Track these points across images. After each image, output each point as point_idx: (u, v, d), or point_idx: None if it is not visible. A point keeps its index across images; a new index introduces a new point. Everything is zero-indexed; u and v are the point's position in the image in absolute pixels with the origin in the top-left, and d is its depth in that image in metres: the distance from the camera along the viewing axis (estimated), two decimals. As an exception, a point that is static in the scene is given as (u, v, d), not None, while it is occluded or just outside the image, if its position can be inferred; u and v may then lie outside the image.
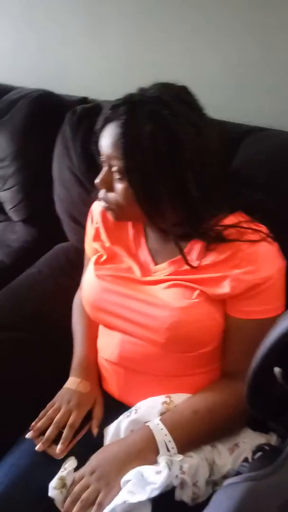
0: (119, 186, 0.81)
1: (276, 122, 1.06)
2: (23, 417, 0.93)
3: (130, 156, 0.77)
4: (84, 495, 0.77)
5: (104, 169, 0.84)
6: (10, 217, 1.52)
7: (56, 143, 1.27)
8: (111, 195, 0.84)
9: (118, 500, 0.72)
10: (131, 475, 0.76)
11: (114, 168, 0.81)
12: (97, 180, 0.84)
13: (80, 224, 1.28)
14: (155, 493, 0.71)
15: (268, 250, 0.82)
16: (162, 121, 0.76)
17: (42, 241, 1.44)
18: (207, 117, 0.84)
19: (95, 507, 0.76)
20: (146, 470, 0.75)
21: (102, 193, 0.86)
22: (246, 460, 0.68)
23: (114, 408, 0.94)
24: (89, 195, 1.20)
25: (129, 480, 0.75)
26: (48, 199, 1.34)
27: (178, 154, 0.77)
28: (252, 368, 0.66)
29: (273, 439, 0.83)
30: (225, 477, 0.82)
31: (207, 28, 1.16)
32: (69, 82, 1.47)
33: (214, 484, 0.82)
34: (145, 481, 0.75)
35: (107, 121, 0.81)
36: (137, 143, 0.76)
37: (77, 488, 0.79)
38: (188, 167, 0.78)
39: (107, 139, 0.81)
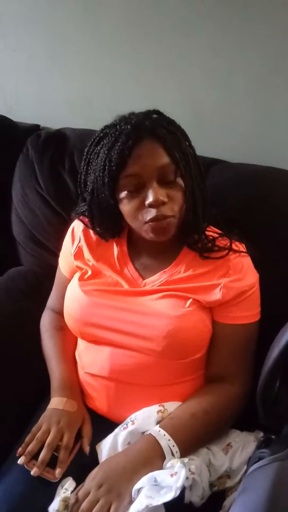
0: (174, 191, 0.84)
1: (230, 155, 1.19)
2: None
3: (181, 158, 0.83)
4: (95, 509, 0.75)
5: (152, 186, 0.82)
6: None
7: (17, 166, 1.26)
8: (167, 207, 0.83)
9: (138, 506, 0.72)
10: (144, 482, 0.77)
11: (169, 177, 0.83)
12: (153, 199, 0.81)
13: (41, 246, 1.27)
14: (178, 491, 0.72)
15: (249, 261, 0.93)
16: (180, 130, 0.88)
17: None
18: None
19: None
20: (160, 474, 0.77)
21: (154, 212, 0.83)
22: (260, 447, 0.74)
23: (101, 424, 0.94)
24: (56, 215, 1.22)
25: (141, 488, 0.76)
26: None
27: (195, 159, 0.88)
28: (260, 384, 0.73)
29: (260, 436, 0.90)
30: (221, 477, 0.87)
31: (168, 63, 1.26)
32: (21, 109, 1.48)
33: (211, 485, 0.86)
34: (159, 486, 0.76)
35: (134, 144, 0.81)
36: (179, 146, 0.84)
37: (85, 504, 0.77)
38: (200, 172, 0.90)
39: (152, 156, 0.82)
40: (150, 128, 0.82)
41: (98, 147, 0.87)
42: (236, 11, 1.14)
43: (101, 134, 0.88)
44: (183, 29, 1.21)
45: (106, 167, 0.83)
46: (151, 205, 0.82)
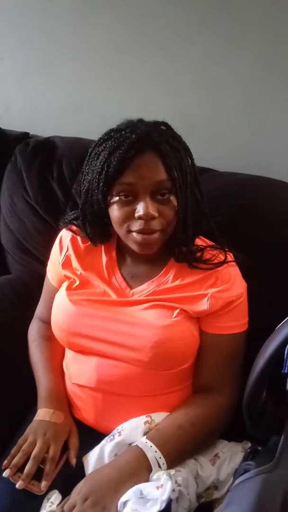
0: (166, 207, 0.84)
1: (220, 165, 1.20)
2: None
3: (179, 176, 0.83)
4: None
5: (145, 199, 0.82)
6: None
7: (5, 174, 1.26)
8: (155, 221, 0.83)
9: (123, 520, 0.71)
10: (129, 494, 0.76)
11: (163, 191, 0.82)
12: (143, 213, 0.81)
13: (29, 254, 1.27)
14: (164, 505, 0.72)
15: (237, 271, 0.93)
16: (184, 148, 0.87)
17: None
18: None
19: None
20: (146, 487, 0.76)
21: (142, 224, 0.82)
22: (246, 459, 0.73)
23: (88, 436, 0.93)
24: (44, 224, 1.21)
25: (127, 501, 0.75)
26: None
27: (195, 173, 0.89)
28: (246, 395, 0.73)
29: (247, 446, 0.90)
30: (208, 488, 0.86)
31: (159, 72, 1.27)
32: (10, 117, 1.48)
33: (198, 496, 0.86)
34: (145, 498, 0.75)
35: (135, 154, 0.80)
36: (180, 165, 0.83)
37: (71, 518, 0.76)
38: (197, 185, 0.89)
39: (150, 169, 0.81)
40: (154, 142, 0.81)
41: (100, 149, 0.85)
42: (229, 21, 1.15)
43: (105, 137, 0.86)
44: (175, 39, 1.22)
45: (104, 171, 0.82)
46: (140, 218, 0.82)
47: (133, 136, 0.81)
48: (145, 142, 0.81)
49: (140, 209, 0.82)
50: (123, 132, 0.83)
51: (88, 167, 0.88)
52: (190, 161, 0.88)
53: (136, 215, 0.82)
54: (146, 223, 0.82)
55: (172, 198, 0.84)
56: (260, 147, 1.24)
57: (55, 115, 1.45)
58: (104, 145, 0.84)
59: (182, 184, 0.84)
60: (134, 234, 0.84)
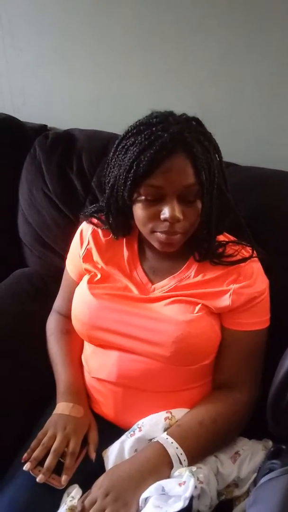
0: (191, 210, 0.82)
1: (240, 159, 1.18)
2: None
3: (207, 179, 0.80)
4: None
5: (172, 202, 0.80)
6: None
7: (24, 167, 1.25)
8: (180, 224, 0.82)
9: (145, 516, 0.71)
10: (151, 491, 0.75)
11: (190, 197, 0.81)
12: (170, 216, 0.79)
13: (47, 248, 1.26)
14: (187, 502, 0.71)
15: (259, 267, 0.91)
16: (214, 146, 0.84)
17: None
18: None
19: None
20: (168, 483, 0.76)
21: (167, 226, 0.81)
22: (270, 458, 0.72)
23: (107, 430, 0.93)
24: (63, 217, 1.21)
25: (149, 497, 0.75)
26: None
27: (222, 171, 0.86)
28: (272, 393, 0.72)
29: (268, 444, 0.89)
30: (228, 486, 0.86)
31: (178, 66, 1.24)
32: (28, 109, 1.47)
33: (219, 494, 0.85)
34: (167, 495, 0.75)
35: (167, 156, 0.77)
36: (209, 167, 0.81)
37: (91, 513, 0.75)
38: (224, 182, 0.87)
39: (180, 173, 0.79)
40: (186, 143, 0.78)
41: (129, 143, 0.82)
42: (248, 17, 1.12)
43: (134, 130, 0.82)
44: (194, 33, 1.20)
45: (132, 170, 0.80)
46: (166, 220, 0.81)
47: (165, 135, 0.77)
48: (177, 143, 0.77)
49: (166, 212, 0.80)
50: (154, 129, 0.79)
51: (114, 160, 0.86)
52: (218, 159, 0.85)
53: (162, 217, 0.81)
54: (171, 225, 0.81)
55: (198, 201, 0.82)
56: (280, 141, 1.22)
57: (73, 108, 1.44)
58: (133, 139, 0.81)
59: (209, 187, 0.82)
60: (158, 233, 0.83)
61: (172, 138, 0.77)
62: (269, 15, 1.11)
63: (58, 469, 0.84)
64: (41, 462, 0.84)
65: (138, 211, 0.84)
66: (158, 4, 1.21)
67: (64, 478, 0.82)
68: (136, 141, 0.80)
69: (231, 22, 1.15)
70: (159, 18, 1.22)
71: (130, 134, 0.83)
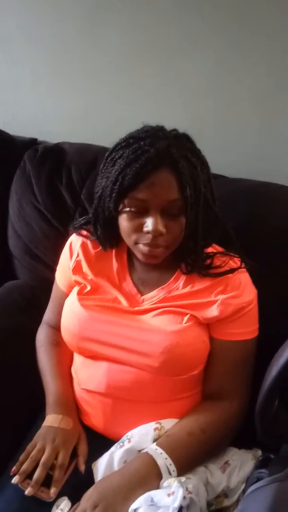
0: (174, 224, 0.83)
1: (231, 171, 1.20)
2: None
3: (191, 195, 0.81)
4: None
5: (155, 216, 0.81)
6: None
7: (14, 180, 1.26)
8: (164, 237, 0.83)
9: (134, 528, 0.71)
10: (140, 502, 0.75)
11: (173, 211, 0.82)
12: (152, 229, 0.81)
13: (37, 260, 1.27)
14: (176, 512, 0.71)
15: (247, 277, 0.92)
16: (202, 162, 0.85)
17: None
18: None
19: None
20: (157, 494, 0.75)
21: (149, 239, 0.83)
22: (258, 467, 0.73)
23: (97, 442, 0.93)
24: (52, 229, 1.22)
25: (138, 508, 0.75)
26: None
27: (210, 185, 0.88)
28: (259, 402, 0.73)
29: (258, 453, 0.89)
30: (218, 496, 0.86)
31: (171, 78, 1.27)
32: (18, 123, 1.49)
33: (208, 504, 0.85)
34: (156, 505, 0.75)
35: (152, 170, 0.79)
36: (194, 183, 0.82)
37: (81, 525, 0.75)
38: (211, 196, 0.88)
39: (165, 188, 0.80)
40: (172, 159, 0.79)
41: (117, 155, 0.84)
42: (242, 26, 1.15)
43: (124, 143, 0.84)
44: (187, 44, 1.22)
45: (118, 182, 0.81)
46: (148, 232, 0.82)
47: (152, 150, 0.78)
48: (163, 158, 0.79)
49: (149, 225, 0.82)
50: (142, 143, 0.80)
51: (103, 171, 0.88)
52: (206, 174, 0.86)
53: (145, 229, 0.83)
54: (153, 238, 0.82)
55: (182, 216, 0.84)
56: (270, 153, 1.24)
57: (63, 122, 1.45)
58: (121, 152, 0.83)
59: (194, 202, 0.83)
60: (141, 245, 0.85)
61: (158, 153, 0.79)
62: (260, 28, 1.14)
63: (47, 481, 0.83)
64: (30, 475, 0.84)
65: (123, 222, 0.85)
66: (151, 18, 1.24)
67: (53, 491, 0.82)
68: (124, 154, 0.81)
69: (225, 33, 1.17)
70: (151, 32, 1.25)
71: (119, 147, 0.85)
